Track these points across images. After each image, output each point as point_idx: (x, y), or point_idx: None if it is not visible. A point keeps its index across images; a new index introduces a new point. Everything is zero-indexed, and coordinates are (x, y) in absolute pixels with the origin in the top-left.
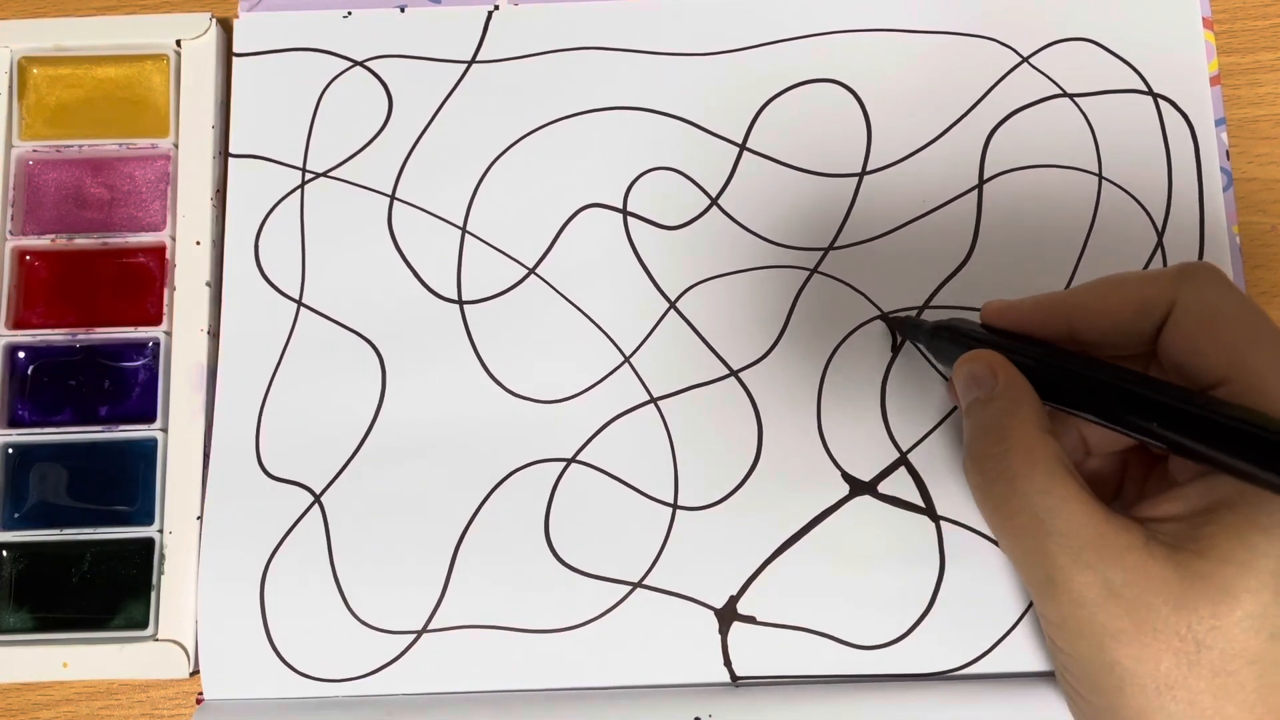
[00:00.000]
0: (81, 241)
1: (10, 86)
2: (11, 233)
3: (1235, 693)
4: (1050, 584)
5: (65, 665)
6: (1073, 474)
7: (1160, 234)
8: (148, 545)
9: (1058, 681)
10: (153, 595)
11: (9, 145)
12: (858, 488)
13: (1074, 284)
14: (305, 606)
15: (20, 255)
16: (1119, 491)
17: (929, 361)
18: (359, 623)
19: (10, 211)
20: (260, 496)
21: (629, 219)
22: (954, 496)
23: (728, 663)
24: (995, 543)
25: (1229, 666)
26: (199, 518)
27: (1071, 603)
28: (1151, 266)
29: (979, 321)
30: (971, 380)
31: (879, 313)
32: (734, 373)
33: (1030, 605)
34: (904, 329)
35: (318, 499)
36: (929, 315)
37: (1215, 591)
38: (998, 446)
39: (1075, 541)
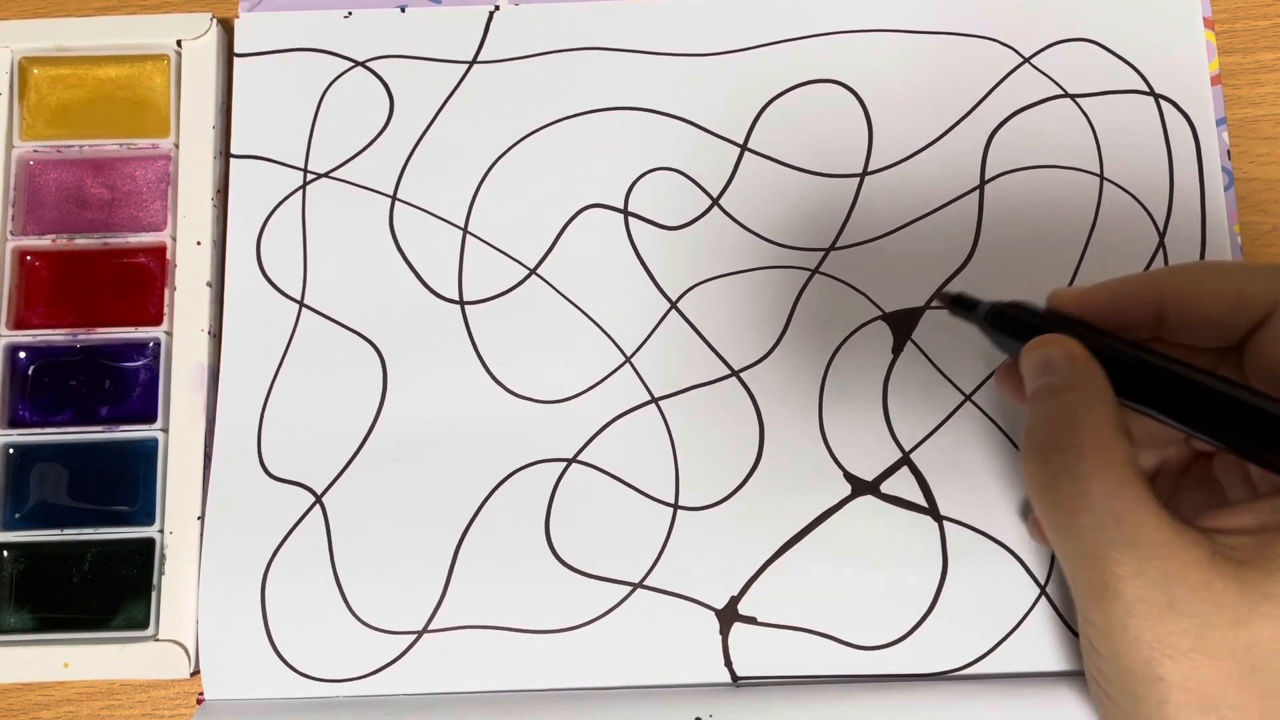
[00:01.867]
0: (82, 242)
1: (11, 87)
2: (12, 233)
3: None
4: (1104, 591)
5: (66, 665)
6: (1144, 480)
7: (1162, 234)
8: (148, 545)
9: (1087, 683)
10: (153, 595)
11: (10, 145)
12: (860, 488)
13: (1075, 282)
14: (306, 607)
15: (21, 255)
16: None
17: (931, 362)
18: (359, 623)
19: (11, 212)
20: (262, 497)
21: (630, 219)
22: (957, 496)
23: (729, 663)
24: (998, 543)
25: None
26: (200, 518)
27: (1125, 612)
28: (1153, 267)
29: (1045, 307)
30: (1044, 365)
31: (935, 292)
32: (735, 373)
33: (1032, 605)
34: (959, 307)
35: (319, 499)
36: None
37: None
38: (1069, 440)
39: (1140, 551)
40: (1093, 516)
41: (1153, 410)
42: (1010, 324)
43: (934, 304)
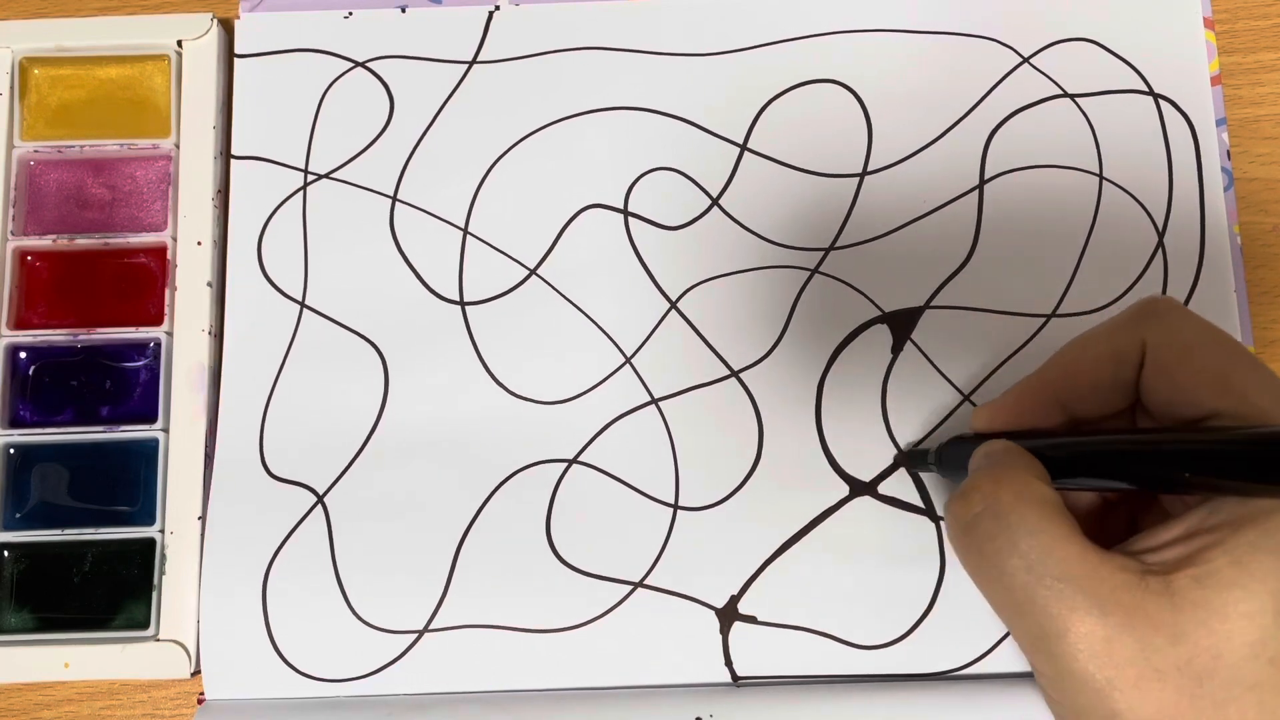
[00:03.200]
0: (83, 242)
1: (12, 87)
2: (13, 233)
3: None
4: (1043, 636)
5: (67, 665)
6: (1066, 516)
7: (1161, 234)
8: (149, 545)
9: None
10: (154, 595)
11: (10, 145)
12: (858, 488)
13: (1072, 286)
14: (307, 606)
15: (22, 255)
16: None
17: (931, 362)
18: (360, 622)
19: (12, 212)
20: (263, 497)
21: (630, 219)
22: None
23: (729, 662)
24: None
25: (1230, 694)
26: (200, 518)
27: (1068, 655)
28: (1153, 266)
29: (971, 432)
30: (984, 454)
31: (895, 451)
32: (735, 373)
33: None
34: (911, 464)
35: (321, 499)
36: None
37: (1213, 619)
38: (990, 485)
39: (1070, 587)
40: (1018, 556)
41: (1081, 479)
42: (954, 453)
43: (896, 464)
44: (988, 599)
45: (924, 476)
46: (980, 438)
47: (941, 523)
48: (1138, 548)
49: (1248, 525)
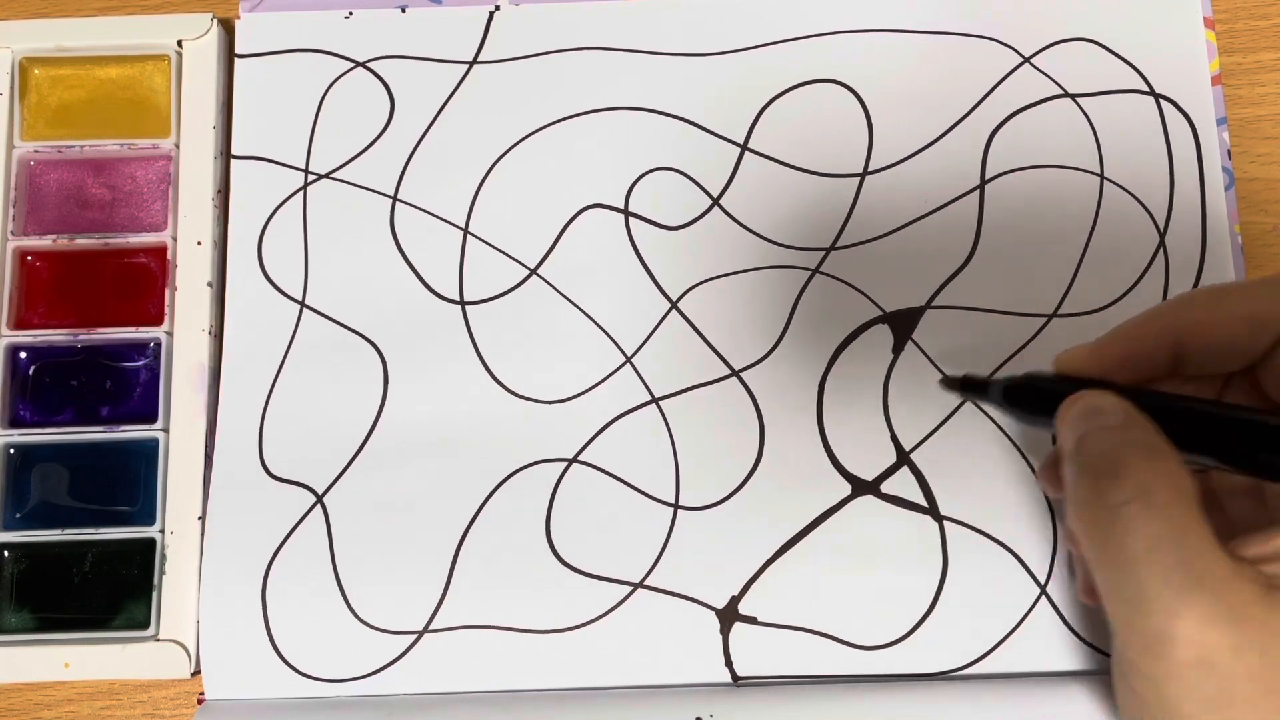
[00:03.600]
0: (83, 242)
1: (12, 87)
2: (13, 233)
3: None
4: (1165, 640)
5: (67, 665)
6: (1206, 518)
7: (1162, 234)
8: (149, 545)
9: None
10: (154, 595)
11: (11, 145)
12: (860, 487)
13: (1073, 286)
14: (307, 606)
15: (22, 255)
16: None
17: (931, 362)
18: (360, 623)
19: (12, 212)
20: (263, 497)
21: (630, 219)
22: (957, 496)
23: (729, 663)
24: (999, 543)
25: None
26: (200, 518)
27: (1187, 664)
28: (1154, 266)
29: (1055, 372)
30: (1092, 411)
31: (942, 376)
32: (736, 373)
33: (1033, 605)
34: (968, 390)
35: (320, 499)
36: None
37: None
38: (1132, 473)
39: (1207, 595)
40: (1163, 555)
41: (1202, 457)
42: (1029, 397)
43: (941, 386)
44: (1106, 587)
45: (927, 476)
46: (1063, 381)
47: (945, 523)
48: (1251, 552)
49: None
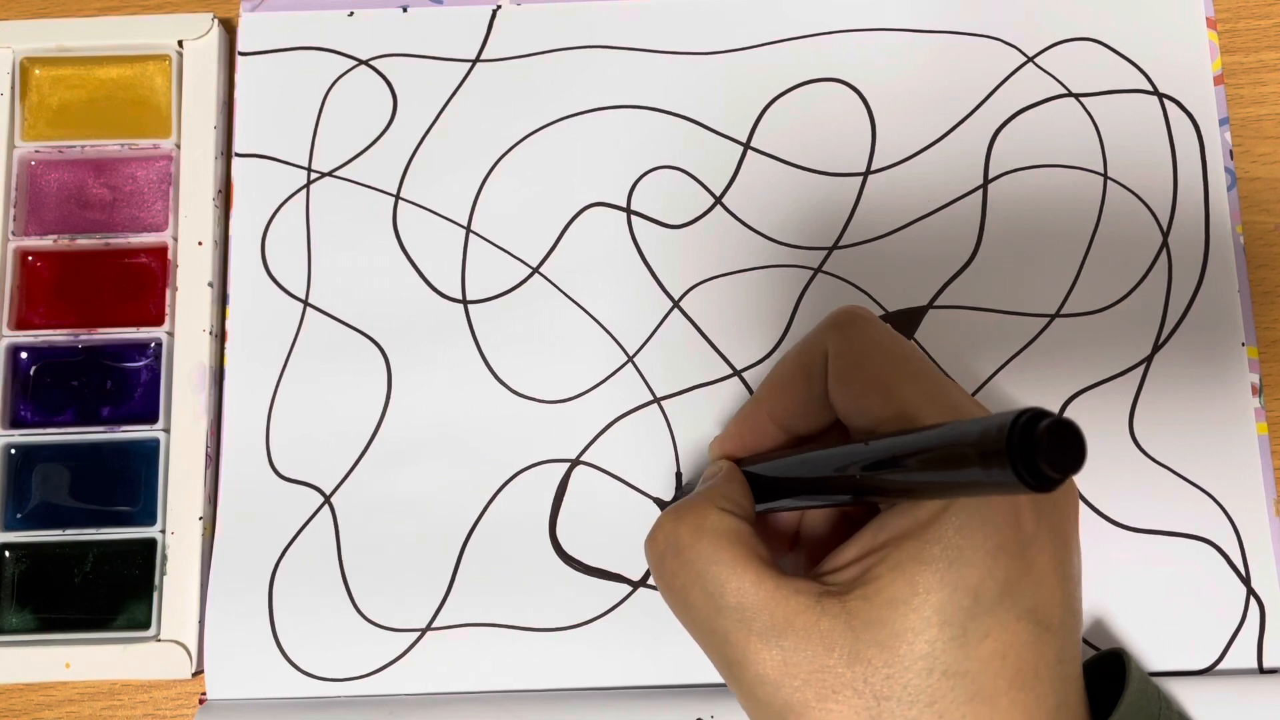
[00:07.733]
0: (84, 242)
1: (12, 87)
2: (14, 233)
3: None
4: (730, 666)
5: (68, 666)
6: (746, 544)
7: (1165, 234)
8: (150, 546)
9: None
10: (155, 596)
11: (11, 146)
12: None
13: (1076, 286)
14: (312, 606)
15: (22, 256)
16: None
17: (933, 361)
18: (364, 620)
19: (13, 212)
20: (272, 497)
21: (633, 218)
22: None
23: None
24: None
25: (910, 713)
26: (201, 518)
27: (753, 682)
28: (1157, 266)
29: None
30: (700, 482)
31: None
32: (737, 372)
33: None
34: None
35: (328, 499)
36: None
37: (886, 636)
38: (670, 525)
39: (747, 613)
40: (699, 589)
41: (783, 500)
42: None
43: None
44: (694, 638)
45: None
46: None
47: None
48: (824, 569)
49: (909, 538)
